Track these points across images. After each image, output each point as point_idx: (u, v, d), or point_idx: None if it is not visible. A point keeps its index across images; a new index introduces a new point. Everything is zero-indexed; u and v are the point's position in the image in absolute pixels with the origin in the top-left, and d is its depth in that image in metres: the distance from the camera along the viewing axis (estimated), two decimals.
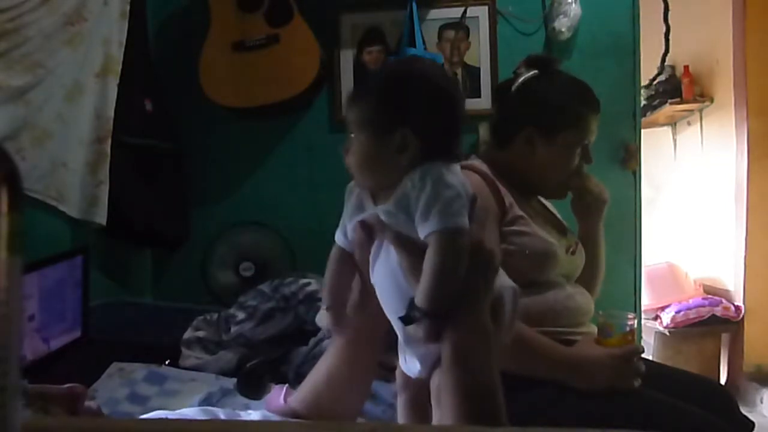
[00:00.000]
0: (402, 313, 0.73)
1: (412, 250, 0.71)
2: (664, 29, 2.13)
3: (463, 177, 0.76)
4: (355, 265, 0.80)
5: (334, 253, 0.82)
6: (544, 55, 1.41)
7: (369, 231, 0.76)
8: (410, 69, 0.82)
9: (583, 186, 1.39)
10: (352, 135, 0.79)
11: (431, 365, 0.73)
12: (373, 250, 0.77)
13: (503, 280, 0.77)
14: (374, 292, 0.77)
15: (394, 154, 0.75)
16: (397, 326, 0.76)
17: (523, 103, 1.35)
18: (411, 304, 0.70)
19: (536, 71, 1.35)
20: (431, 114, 0.77)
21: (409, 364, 0.77)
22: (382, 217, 0.74)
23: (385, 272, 0.76)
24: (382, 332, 0.81)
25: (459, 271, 0.70)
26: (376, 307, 0.78)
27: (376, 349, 0.83)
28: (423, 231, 0.71)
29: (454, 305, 0.70)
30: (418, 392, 0.76)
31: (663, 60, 2.17)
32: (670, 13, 2.20)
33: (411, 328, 0.71)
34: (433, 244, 0.70)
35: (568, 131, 1.31)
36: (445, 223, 0.70)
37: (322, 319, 0.82)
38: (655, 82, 2.23)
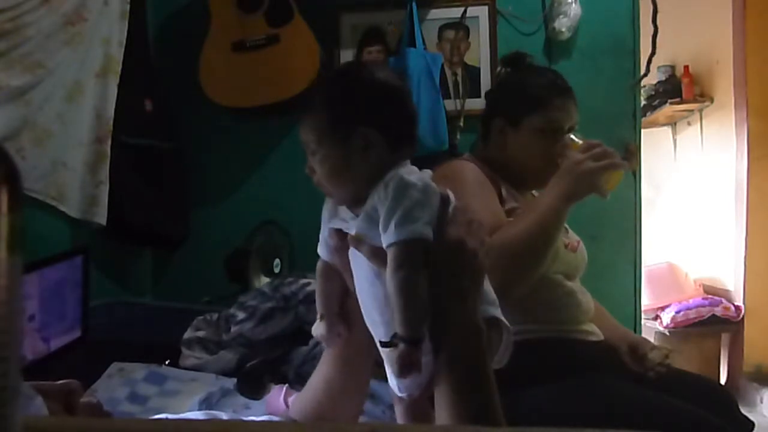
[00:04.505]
0: (377, 324, 0.74)
1: (385, 260, 0.70)
2: (652, 31, 2.13)
3: (428, 178, 0.74)
4: (339, 275, 0.79)
5: (318, 267, 0.81)
6: (515, 52, 1.48)
7: (343, 238, 0.75)
8: (354, 69, 0.83)
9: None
10: (313, 155, 0.77)
11: (412, 386, 0.72)
12: (350, 259, 0.76)
13: (491, 311, 0.74)
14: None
15: (360, 156, 0.74)
16: (377, 338, 0.75)
17: (495, 97, 1.49)
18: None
19: (509, 68, 1.47)
20: (386, 106, 0.76)
21: (391, 383, 0.76)
22: (355, 230, 0.73)
23: (359, 277, 0.76)
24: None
25: (419, 281, 0.68)
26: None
27: (369, 353, 0.82)
28: (384, 242, 0.70)
29: (429, 320, 0.68)
30: (412, 402, 0.75)
31: (649, 62, 2.16)
32: (671, 13, 2.20)
33: (390, 353, 0.70)
34: (390, 258, 0.69)
35: (532, 116, 1.35)
36: (400, 235, 0.68)
37: (317, 328, 0.81)
38: (635, 85, 2.22)
